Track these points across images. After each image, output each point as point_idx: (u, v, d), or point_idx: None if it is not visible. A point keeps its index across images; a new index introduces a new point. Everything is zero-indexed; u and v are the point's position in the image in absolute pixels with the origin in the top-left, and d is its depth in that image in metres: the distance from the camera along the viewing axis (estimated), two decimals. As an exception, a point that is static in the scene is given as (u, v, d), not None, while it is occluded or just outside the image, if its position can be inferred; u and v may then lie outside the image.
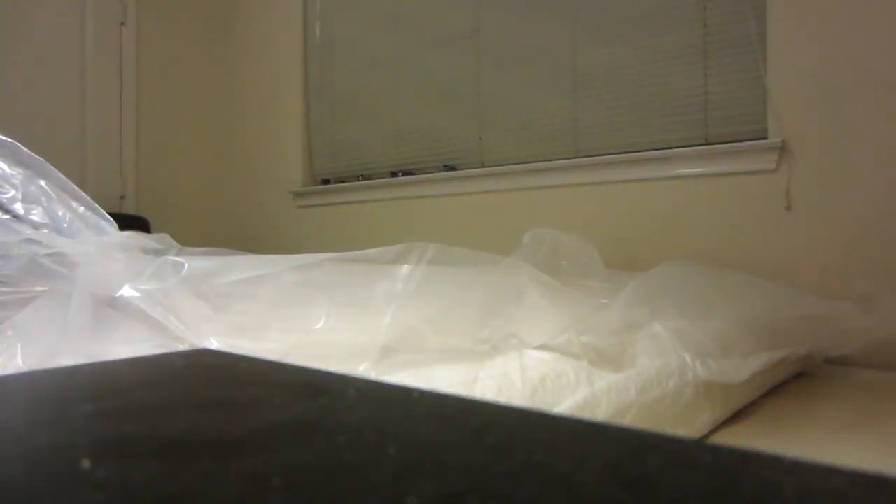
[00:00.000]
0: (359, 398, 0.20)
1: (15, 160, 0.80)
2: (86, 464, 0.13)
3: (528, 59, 2.06)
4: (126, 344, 0.58)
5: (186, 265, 0.65)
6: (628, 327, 0.76)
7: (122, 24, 2.71)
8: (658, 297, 0.87)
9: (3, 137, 0.81)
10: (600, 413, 0.61)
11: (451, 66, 2.23)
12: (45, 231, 0.69)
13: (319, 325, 0.61)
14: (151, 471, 0.13)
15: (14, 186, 0.76)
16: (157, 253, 0.71)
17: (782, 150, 1.57)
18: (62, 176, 0.86)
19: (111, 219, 0.85)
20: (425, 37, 2.30)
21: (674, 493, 0.12)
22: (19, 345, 0.53)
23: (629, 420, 0.65)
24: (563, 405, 0.59)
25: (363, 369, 0.57)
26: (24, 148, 0.83)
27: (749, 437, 0.85)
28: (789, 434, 0.89)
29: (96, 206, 0.86)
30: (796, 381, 1.18)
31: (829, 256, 1.50)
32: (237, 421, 0.17)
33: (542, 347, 0.63)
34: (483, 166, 2.15)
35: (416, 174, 2.30)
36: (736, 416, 0.92)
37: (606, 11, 1.89)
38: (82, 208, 0.81)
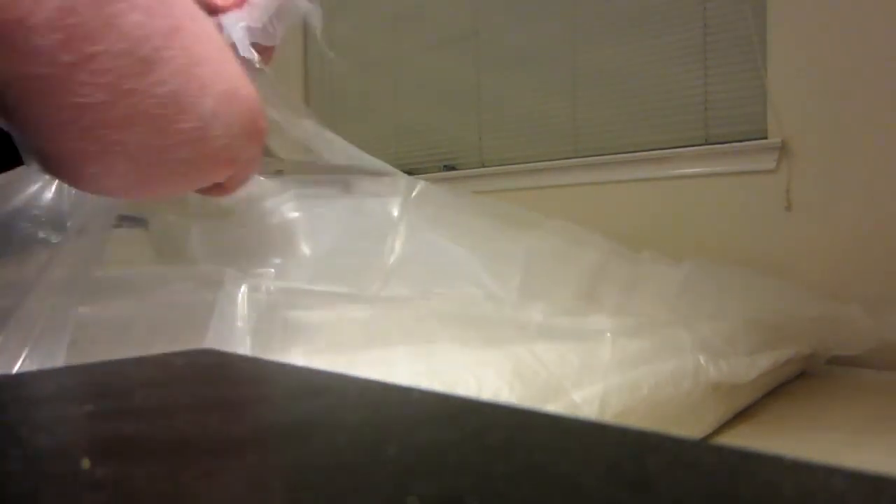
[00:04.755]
0: (359, 398, 0.20)
1: None
2: (86, 464, 0.13)
3: (527, 59, 2.06)
4: None
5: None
6: (651, 323, 0.76)
7: (122, 24, 2.71)
8: (680, 296, 0.87)
9: None
10: (610, 409, 0.61)
11: (451, 66, 2.23)
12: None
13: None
14: (151, 471, 0.13)
15: None
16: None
17: (782, 150, 1.57)
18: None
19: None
20: (425, 37, 2.30)
21: (674, 493, 0.12)
22: None
23: (637, 417, 0.65)
24: (576, 395, 0.58)
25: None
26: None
27: (750, 437, 0.85)
28: (791, 434, 0.89)
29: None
30: (798, 380, 1.18)
31: (828, 256, 1.50)
32: (237, 421, 0.17)
33: (556, 327, 0.62)
34: (483, 166, 2.15)
35: (415, 174, 2.30)
36: (738, 416, 0.92)
37: (606, 11, 1.89)
38: None
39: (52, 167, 0.32)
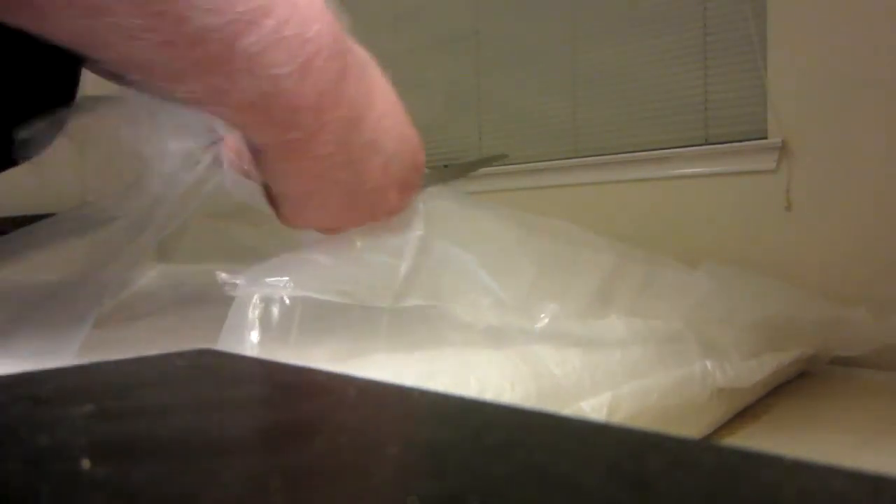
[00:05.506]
0: (359, 398, 0.20)
1: None
2: (86, 464, 0.13)
3: (528, 59, 2.06)
4: None
5: None
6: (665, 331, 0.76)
7: (122, 24, 2.71)
8: (688, 300, 0.87)
9: None
10: (619, 415, 0.61)
11: (451, 66, 2.23)
12: None
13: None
14: (151, 471, 0.13)
15: None
16: None
17: (782, 150, 1.57)
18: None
19: None
20: (425, 37, 2.30)
21: (674, 493, 0.12)
22: None
23: (643, 422, 0.65)
24: (585, 403, 0.58)
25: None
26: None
27: (750, 437, 0.85)
28: (791, 434, 0.89)
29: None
30: (799, 380, 1.18)
31: (829, 256, 1.50)
32: (237, 421, 0.17)
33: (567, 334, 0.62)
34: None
35: (416, 174, 2.30)
36: (738, 416, 0.92)
37: (606, 11, 1.89)
38: None
39: (285, 205, 0.43)
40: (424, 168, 0.49)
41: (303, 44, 0.34)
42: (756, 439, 0.85)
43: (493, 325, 0.56)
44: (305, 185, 0.40)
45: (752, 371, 0.87)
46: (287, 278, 0.41)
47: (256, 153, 0.40)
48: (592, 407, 0.58)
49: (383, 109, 0.42)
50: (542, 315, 0.60)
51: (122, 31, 0.29)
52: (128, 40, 0.29)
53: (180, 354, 0.26)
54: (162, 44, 0.30)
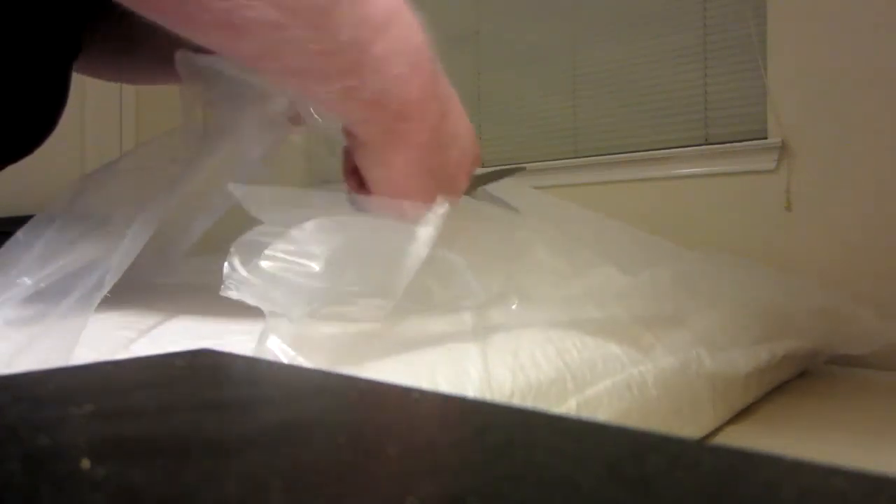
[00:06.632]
0: (359, 398, 0.20)
1: None
2: (86, 464, 0.13)
3: (528, 59, 2.06)
4: None
5: None
6: (651, 314, 0.75)
7: (123, 24, 2.71)
8: (679, 284, 0.87)
9: None
10: (614, 407, 0.60)
11: (451, 66, 2.22)
12: None
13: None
14: (151, 471, 0.13)
15: None
16: None
17: (782, 150, 1.57)
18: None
19: None
20: (425, 37, 2.31)
21: (674, 493, 0.12)
22: None
23: (641, 414, 0.64)
24: (580, 395, 0.58)
25: None
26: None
27: (750, 437, 0.85)
28: (791, 434, 0.89)
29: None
30: (799, 380, 1.18)
31: (829, 256, 1.50)
32: (237, 421, 0.17)
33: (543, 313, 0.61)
34: (483, 166, 2.15)
35: (416, 174, 2.30)
36: (738, 416, 0.92)
37: (606, 11, 1.89)
38: None
39: (380, 191, 0.48)
40: (480, 162, 0.56)
41: (415, 49, 0.44)
42: (756, 439, 0.85)
43: (480, 321, 0.56)
44: (405, 169, 0.46)
45: (746, 359, 0.86)
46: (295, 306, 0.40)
47: (361, 146, 0.46)
48: (588, 398, 0.58)
49: (458, 109, 0.51)
50: (513, 304, 0.59)
51: (292, 43, 0.37)
52: (294, 51, 0.37)
53: (179, 354, 0.26)
54: (318, 52, 0.37)
